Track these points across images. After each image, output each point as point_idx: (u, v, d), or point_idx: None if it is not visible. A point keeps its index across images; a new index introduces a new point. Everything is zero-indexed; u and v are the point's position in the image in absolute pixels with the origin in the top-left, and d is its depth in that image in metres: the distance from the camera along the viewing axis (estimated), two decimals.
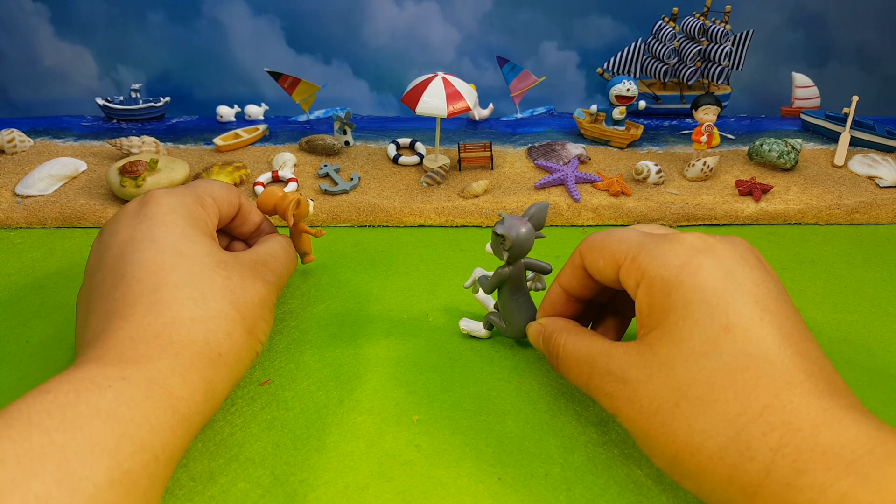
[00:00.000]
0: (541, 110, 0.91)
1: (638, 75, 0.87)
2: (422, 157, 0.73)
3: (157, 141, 0.74)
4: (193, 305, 0.36)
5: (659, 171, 0.68)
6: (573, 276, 0.41)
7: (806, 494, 0.28)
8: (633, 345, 0.35)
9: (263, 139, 0.79)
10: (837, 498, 0.27)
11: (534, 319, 0.45)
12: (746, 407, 0.30)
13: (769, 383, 0.30)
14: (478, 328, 0.47)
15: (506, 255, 0.40)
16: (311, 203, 0.51)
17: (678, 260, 0.34)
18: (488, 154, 0.71)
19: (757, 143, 0.73)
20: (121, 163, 0.65)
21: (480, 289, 0.45)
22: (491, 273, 0.44)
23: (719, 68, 0.83)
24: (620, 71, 0.87)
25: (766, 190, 0.67)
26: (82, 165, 0.70)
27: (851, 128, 0.76)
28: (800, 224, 0.65)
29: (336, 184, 0.67)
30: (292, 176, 0.68)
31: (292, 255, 0.48)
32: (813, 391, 0.30)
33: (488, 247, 0.42)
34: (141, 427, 0.30)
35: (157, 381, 0.32)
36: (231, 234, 0.50)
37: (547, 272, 0.44)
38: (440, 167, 0.68)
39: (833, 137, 0.79)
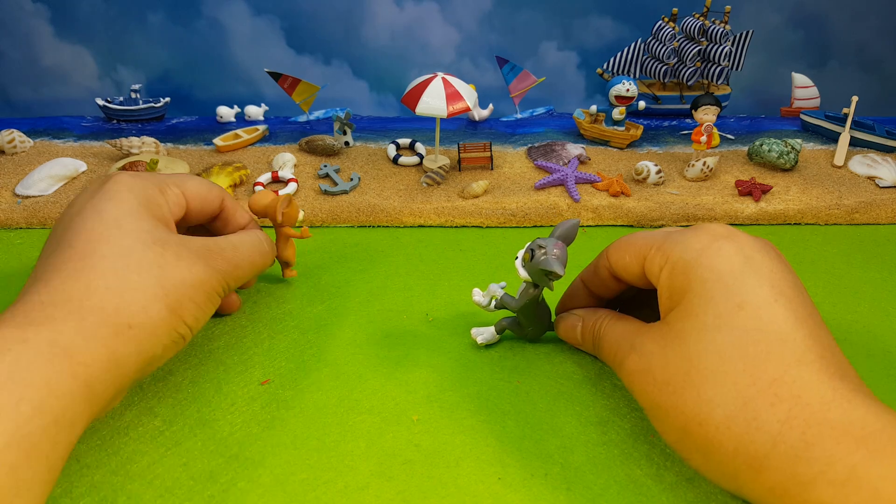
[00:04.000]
0: (541, 110, 0.91)
1: (638, 75, 0.87)
2: (422, 157, 0.73)
3: (157, 141, 0.74)
4: (113, 275, 0.36)
5: (659, 172, 0.68)
6: (596, 274, 0.43)
7: (814, 467, 0.28)
8: (656, 324, 0.37)
9: (263, 139, 0.79)
10: (847, 471, 0.27)
11: (549, 319, 0.46)
12: (756, 379, 0.31)
13: (780, 358, 0.31)
14: (491, 335, 0.47)
15: (551, 285, 0.41)
16: (302, 212, 0.51)
17: (700, 244, 0.36)
18: (488, 154, 0.71)
19: (757, 143, 0.73)
20: (121, 163, 0.65)
21: (492, 301, 0.45)
22: (503, 284, 0.45)
23: (719, 68, 0.83)
24: (620, 71, 0.87)
25: (765, 190, 0.67)
26: (82, 166, 0.70)
27: (851, 128, 0.76)
28: (799, 224, 0.65)
29: (336, 184, 0.67)
30: (292, 176, 0.68)
31: (263, 249, 0.46)
32: (824, 371, 0.31)
33: (519, 266, 0.41)
34: (40, 390, 0.30)
35: (58, 343, 0.32)
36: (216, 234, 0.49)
37: (559, 277, 0.45)
38: (440, 167, 0.68)
39: (833, 137, 0.79)
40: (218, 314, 0.50)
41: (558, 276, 0.39)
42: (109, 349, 0.34)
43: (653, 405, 0.35)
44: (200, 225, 0.48)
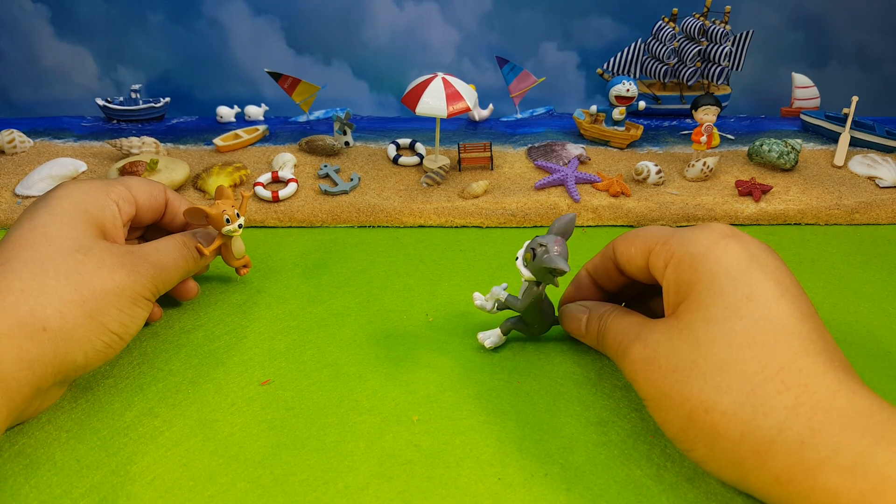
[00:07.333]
0: (541, 110, 0.91)
1: (638, 76, 0.87)
2: (422, 157, 0.73)
3: (157, 141, 0.74)
4: (30, 279, 0.36)
5: (659, 172, 0.68)
6: (602, 265, 0.44)
7: (820, 452, 0.28)
8: (662, 318, 0.38)
9: (263, 140, 0.79)
10: (853, 457, 0.27)
11: (553, 314, 0.46)
12: (764, 366, 0.31)
13: (787, 348, 0.32)
14: (497, 337, 0.46)
15: (556, 281, 0.41)
16: (236, 228, 0.47)
17: (707, 241, 0.36)
18: (488, 154, 0.71)
19: (757, 143, 0.73)
20: (121, 163, 0.65)
21: (495, 305, 0.45)
22: (504, 286, 0.45)
23: (719, 69, 0.83)
24: (620, 71, 0.87)
25: (765, 190, 0.67)
26: (82, 166, 0.70)
27: (851, 128, 0.76)
28: (800, 224, 0.65)
29: (336, 184, 0.67)
30: (292, 176, 0.68)
31: (185, 253, 0.46)
32: (829, 363, 0.31)
33: (521, 267, 0.41)
34: None
35: None
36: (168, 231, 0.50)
37: (564, 273, 0.45)
38: (440, 167, 0.68)
39: (833, 138, 0.79)
40: (176, 301, 0.50)
41: (563, 273, 0.39)
42: (21, 349, 0.34)
43: (657, 393, 0.35)
44: (155, 225, 0.50)
